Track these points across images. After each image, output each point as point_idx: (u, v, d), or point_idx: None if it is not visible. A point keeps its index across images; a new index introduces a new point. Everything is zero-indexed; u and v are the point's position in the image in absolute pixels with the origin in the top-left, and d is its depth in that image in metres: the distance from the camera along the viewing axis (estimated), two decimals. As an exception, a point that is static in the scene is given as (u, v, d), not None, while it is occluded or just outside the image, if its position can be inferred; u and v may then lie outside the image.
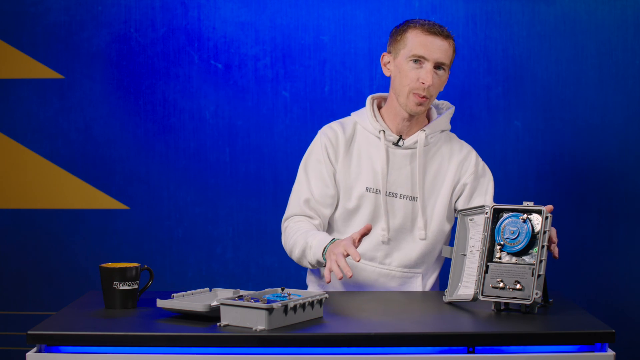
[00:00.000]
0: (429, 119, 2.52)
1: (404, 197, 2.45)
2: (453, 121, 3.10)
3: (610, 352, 1.90)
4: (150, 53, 3.14)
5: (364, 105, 2.51)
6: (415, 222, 2.45)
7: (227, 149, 3.15)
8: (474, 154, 2.53)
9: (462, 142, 2.56)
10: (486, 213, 2.15)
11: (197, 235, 3.17)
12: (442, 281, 2.50)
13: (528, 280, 2.07)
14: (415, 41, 2.39)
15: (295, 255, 2.39)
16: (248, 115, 3.14)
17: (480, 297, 2.11)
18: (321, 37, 3.10)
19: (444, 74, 2.41)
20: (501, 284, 2.10)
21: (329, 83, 3.10)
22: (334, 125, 2.51)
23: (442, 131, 2.52)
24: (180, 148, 3.15)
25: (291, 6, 3.10)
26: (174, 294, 2.10)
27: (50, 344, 1.93)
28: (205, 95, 3.14)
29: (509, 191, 3.08)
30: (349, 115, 2.53)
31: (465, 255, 2.23)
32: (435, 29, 2.39)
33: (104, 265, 2.18)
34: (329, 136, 2.48)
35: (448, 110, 2.54)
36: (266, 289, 2.13)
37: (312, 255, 2.31)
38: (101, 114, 3.16)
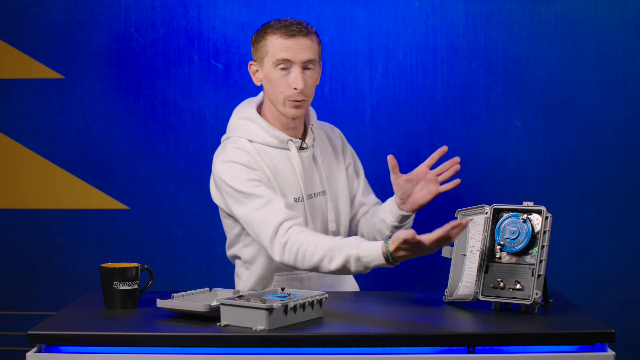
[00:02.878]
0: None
1: (317, 194, 2.48)
2: (453, 121, 3.11)
3: (610, 352, 1.90)
4: (150, 53, 3.14)
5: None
6: (327, 215, 2.48)
7: (227, 149, 3.15)
8: (338, 131, 2.61)
9: (325, 122, 2.61)
10: (486, 213, 2.15)
11: (197, 235, 3.16)
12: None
13: (528, 280, 2.07)
14: (277, 46, 2.34)
15: (324, 271, 2.23)
16: (248, 115, 3.14)
17: (480, 297, 2.11)
18: (321, 37, 3.10)
19: (314, 72, 2.38)
20: (501, 284, 2.10)
21: (329, 83, 3.10)
22: (233, 152, 2.37)
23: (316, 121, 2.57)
24: (180, 148, 3.15)
25: (291, 6, 3.10)
26: (174, 294, 2.11)
27: (50, 344, 1.93)
28: (205, 95, 3.14)
29: (509, 191, 3.08)
30: (230, 137, 2.46)
31: (465, 255, 2.23)
32: (293, 28, 2.34)
33: (104, 265, 2.18)
34: (243, 158, 2.36)
35: None
36: (266, 289, 2.13)
37: (365, 264, 2.16)
38: (101, 114, 3.16)
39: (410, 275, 3.10)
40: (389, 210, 2.46)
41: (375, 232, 2.53)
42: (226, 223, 2.51)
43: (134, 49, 3.14)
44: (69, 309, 2.18)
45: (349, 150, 2.61)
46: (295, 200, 2.44)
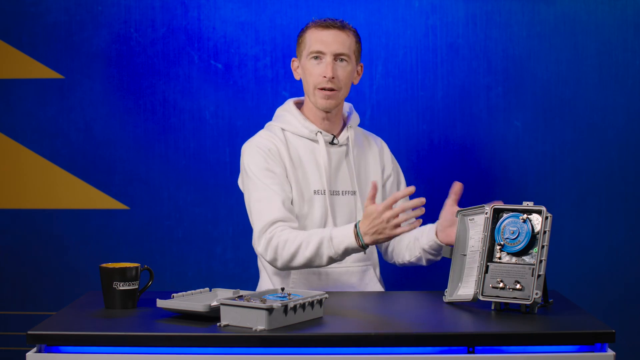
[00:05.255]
0: (342, 115, 2.57)
1: (345, 193, 2.50)
2: (453, 121, 3.11)
3: (610, 352, 1.90)
4: (150, 53, 3.14)
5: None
6: (358, 216, 2.48)
7: (227, 149, 3.15)
8: (385, 145, 2.65)
9: (373, 134, 2.66)
10: (486, 213, 2.15)
11: (197, 235, 3.17)
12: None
13: (528, 280, 2.07)
14: (312, 38, 2.46)
15: (300, 259, 2.33)
16: (248, 115, 3.14)
17: (480, 297, 2.11)
18: (321, 37, 3.10)
19: (347, 65, 2.45)
20: (501, 284, 2.10)
21: (329, 83, 3.10)
22: (263, 134, 2.51)
23: (357, 125, 2.60)
24: (180, 148, 3.15)
25: (291, 6, 3.10)
26: (174, 294, 2.11)
27: (50, 344, 1.93)
28: (205, 95, 3.14)
29: (509, 191, 3.08)
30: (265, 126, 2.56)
31: (465, 255, 2.23)
32: (329, 22, 2.46)
33: (104, 265, 2.18)
34: (266, 145, 2.46)
35: (351, 106, 2.61)
36: (266, 289, 2.13)
37: (336, 246, 2.28)
38: (101, 114, 3.16)
39: (410, 275, 3.10)
40: (426, 233, 2.46)
41: (404, 250, 2.53)
42: None
43: (134, 49, 3.14)
44: (69, 309, 2.18)
45: (392, 163, 2.62)
46: (315, 192, 2.47)
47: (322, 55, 2.44)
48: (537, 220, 2.10)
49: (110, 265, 2.18)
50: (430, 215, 3.06)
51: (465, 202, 2.90)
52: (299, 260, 2.34)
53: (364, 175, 2.54)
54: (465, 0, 3.07)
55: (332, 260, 2.32)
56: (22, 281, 3.19)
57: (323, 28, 2.46)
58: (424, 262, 2.50)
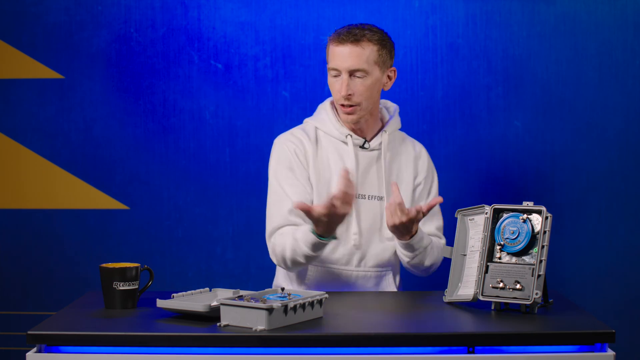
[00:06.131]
0: (382, 119, 2.54)
1: (372, 197, 2.47)
2: (453, 121, 3.11)
3: (610, 352, 1.90)
4: (150, 53, 3.14)
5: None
6: (383, 222, 2.47)
7: (227, 149, 3.15)
8: (424, 151, 2.57)
9: (414, 140, 2.60)
10: (486, 213, 2.15)
11: (197, 235, 3.17)
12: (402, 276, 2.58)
13: (528, 280, 2.07)
14: (330, 54, 2.43)
15: (288, 259, 2.36)
16: (248, 115, 3.14)
17: (480, 297, 2.11)
18: (321, 37, 3.10)
19: (366, 78, 2.39)
20: (501, 284, 2.10)
21: (329, 83, 3.10)
22: (295, 131, 2.51)
23: (396, 130, 2.55)
24: (180, 148, 3.15)
25: (291, 6, 3.11)
26: (174, 294, 2.10)
27: (50, 344, 1.93)
28: (205, 95, 3.14)
29: (509, 191, 3.08)
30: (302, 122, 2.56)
31: (465, 255, 2.23)
32: (344, 36, 2.39)
33: (104, 265, 2.18)
34: (295, 143, 2.47)
35: (396, 109, 2.57)
36: (266, 289, 2.13)
37: (304, 244, 2.29)
38: (101, 114, 3.16)
39: (411, 275, 3.10)
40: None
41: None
42: None
43: (134, 49, 3.14)
44: (69, 309, 2.18)
45: (427, 171, 2.54)
46: None
47: (339, 72, 2.40)
48: (537, 220, 2.10)
49: (110, 265, 2.18)
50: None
51: (465, 202, 2.90)
52: (295, 261, 2.36)
53: (394, 181, 2.47)
54: (465, 0, 3.07)
55: (311, 257, 2.33)
56: (22, 281, 3.19)
57: (338, 43, 2.40)
58: (404, 264, 2.49)
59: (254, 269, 3.17)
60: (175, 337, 1.91)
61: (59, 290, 3.17)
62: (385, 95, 3.11)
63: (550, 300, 2.19)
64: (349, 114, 2.42)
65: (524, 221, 2.10)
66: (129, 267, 2.17)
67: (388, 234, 2.46)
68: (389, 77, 2.48)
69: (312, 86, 3.13)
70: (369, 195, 2.47)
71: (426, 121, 3.09)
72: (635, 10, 3.04)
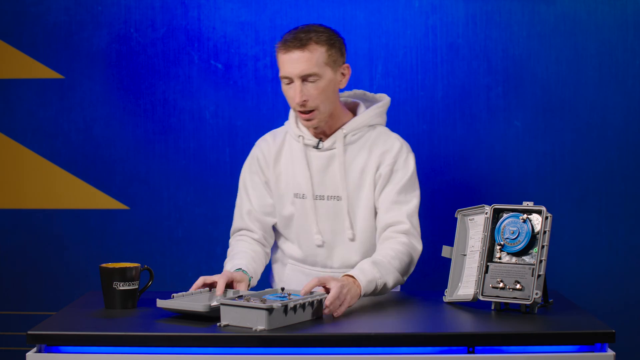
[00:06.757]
0: (356, 114, 2.48)
1: (330, 198, 2.44)
2: (453, 121, 3.10)
3: (610, 352, 1.90)
4: (150, 53, 3.14)
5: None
6: (345, 223, 2.44)
7: (227, 149, 3.15)
8: (397, 146, 2.44)
9: (392, 135, 2.48)
10: (486, 213, 2.15)
11: (197, 235, 3.16)
12: None
13: (528, 280, 2.07)
14: (280, 63, 2.37)
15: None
16: (248, 115, 3.14)
17: (480, 297, 2.11)
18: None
19: (319, 81, 2.34)
20: (501, 284, 2.10)
21: (329, 83, 3.09)
22: (267, 135, 2.54)
23: (371, 126, 2.47)
24: (180, 148, 3.15)
25: (291, 6, 3.10)
26: (174, 294, 2.10)
27: (50, 344, 1.93)
28: (205, 95, 3.14)
29: (509, 191, 3.08)
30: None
31: (465, 255, 2.23)
32: (290, 42, 2.34)
33: (104, 265, 2.18)
34: (261, 147, 2.51)
35: (377, 104, 2.49)
36: (266, 289, 2.13)
37: (229, 265, 2.38)
38: (101, 114, 3.16)
39: (410, 275, 3.10)
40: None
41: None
42: None
43: (134, 49, 3.14)
44: (69, 309, 2.18)
45: (392, 164, 2.42)
46: (295, 195, 2.45)
47: (290, 80, 2.35)
48: (537, 220, 2.10)
49: (110, 265, 2.18)
50: (429, 215, 3.07)
51: (465, 202, 2.91)
52: None
53: (355, 180, 2.43)
54: (465, 0, 3.07)
55: None
56: (22, 281, 3.19)
57: (285, 51, 2.34)
58: None
59: (254, 269, 3.17)
60: (175, 337, 1.91)
61: (59, 290, 3.17)
62: (386, 94, 3.11)
63: (550, 300, 2.19)
64: (308, 120, 2.38)
65: (524, 221, 2.10)
66: (129, 267, 2.17)
67: (349, 235, 2.45)
68: (342, 74, 2.41)
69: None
70: (327, 196, 2.44)
71: (426, 121, 3.09)
72: (635, 10, 3.04)
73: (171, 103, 3.15)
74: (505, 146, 3.09)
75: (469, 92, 3.09)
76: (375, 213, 2.44)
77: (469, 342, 1.90)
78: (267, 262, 2.54)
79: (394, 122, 3.09)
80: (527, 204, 2.12)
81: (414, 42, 3.09)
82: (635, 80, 3.05)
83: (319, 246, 2.45)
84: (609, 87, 3.06)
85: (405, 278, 2.35)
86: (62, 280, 3.18)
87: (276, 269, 2.58)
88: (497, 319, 2.04)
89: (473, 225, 2.23)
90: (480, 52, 3.08)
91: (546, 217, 2.08)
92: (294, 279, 2.50)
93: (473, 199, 3.03)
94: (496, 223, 2.15)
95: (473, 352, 1.90)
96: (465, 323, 2.05)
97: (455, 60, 3.08)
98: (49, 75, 3.15)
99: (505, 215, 2.14)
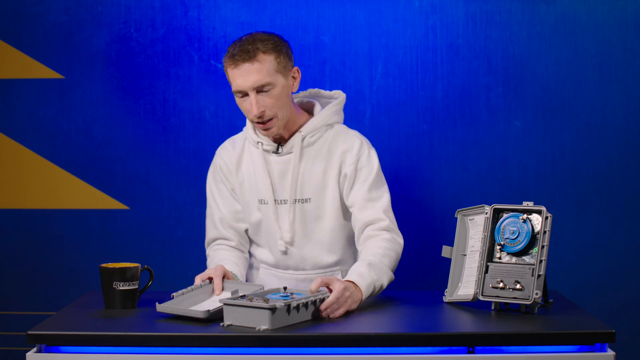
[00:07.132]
0: (314, 114, 2.47)
1: (295, 201, 2.43)
2: (453, 121, 3.10)
3: (610, 352, 1.90)
4: (150, 53, 3.14)
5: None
6: (308, 225, 2.44)
7: (227, 149, 3.14)
8: (357, 144, 2.44)
9: (351, 132, 2.48)
10: (486, 213, 2.15)
11: (197, 235, 3.16)
12: None
13: (528, 280, 2.07)
14: (231, 77, 2.35)
15: None
16: (248, 115, 3.14)
17: (480, 297, 2.11)
18: (321, 37, 3.10)
19: (272, 89, 2.33)
20: (501, 284, 2.10)
21: (329, 83, 3.10)
22: (227, 142, 2.55)
23: (329, 125, 2.46)
24: (180, 148, 3.15)
25: (291, 6, 3.10)
26: (174, 294, 2.11)
27: (50, 344, 1.93)
28: (205, 95, 3.14)
29: (509, 191, 3.07)
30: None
31: (465, 255, 2.23)
32: (237, 57, 2.32)
33: (104, 265, 2.18)
34: (221, 155, 2.52)
35: (333, 102, 2.48)
36: (267, 289, 2.13)
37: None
38: (101, 114, 3.16)
39: (411, 275, 3.10)
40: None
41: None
42: None
43: (134, 49, 3.14)
44: (69, 309, 2.18)
45: (355, 163, 2.42)
46: (260, 202, 2.46)
47: (245, 93, 2.34)
48: (537, 220, 2.10)
49: (110, 265, 2.19)
50: (429, 215, 3.07)
51: (465, 202, 2.91)
52: None
53: (318, 181, 2.42)
54: (465, 0, 3.07)
55: None
56: (22, 281, 3.19)
57: (234, 65, 2.32)
58: None
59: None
60: (176, 337, 1.91)
61: (59, 290, 3.17)
62: (386, 94, 3.11)
63: (550, 300, 2.19)
64: (266, 129, 2.37)
65: (524, 221, 2.11)
66: (129, 267, 2.17)
67: (322, 237, 2.45)
68: (293, 77, 2.41)
69: (311, 86, 3.12)
70: (293, 199, 2.43)
71: (426, 121, 3.09)
72: (635, 10, 3.04)
73: (171, 103, 3.15)
74: (505, 146, 3.09)
75: (469, 92, 3.09)
76: (343, 212, 2.44)
77: (469, 342, 1.90)
78: (247, 266, 2.54)
79: (395, 122, 3.10)
80: (527, 204, 2.12)
81: (414, 42, 3.09)
82: (635, 80, 3.05)
83: (282, 252, 2.46)
84: (609, 87, 3.06)
85: (393, 273, 2.36)
86: (62, 280, 3.18)
87: (250, 274, 2.59)
88: (497, 319, 2.04)
89: (473, 225, 2.23)
90: (480, 52, 3.08)
91: (546, 217, 2.08)
92: (268, 282, 2.50)
93: (473, 199, 3.03)
94: (496, 223, 2.15)
95: (473, 352, 1.90)
96: (465, 323, 2.05)
97: (455, 60, 3.08)
98: (49, 75, 3.15)
99: (505, 215, 2.14)
